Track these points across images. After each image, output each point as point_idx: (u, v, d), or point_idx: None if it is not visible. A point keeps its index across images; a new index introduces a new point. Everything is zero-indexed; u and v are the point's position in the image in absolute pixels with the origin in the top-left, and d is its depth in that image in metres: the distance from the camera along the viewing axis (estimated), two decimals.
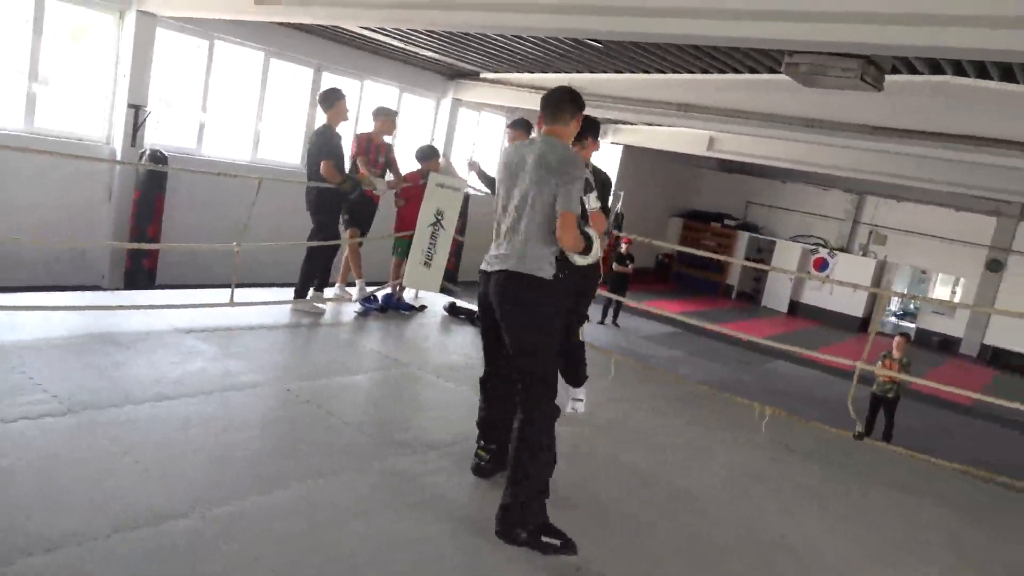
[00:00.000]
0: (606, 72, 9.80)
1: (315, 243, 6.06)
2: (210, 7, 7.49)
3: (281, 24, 9.04)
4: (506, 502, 3.01)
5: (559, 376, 3.43)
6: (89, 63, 8.23)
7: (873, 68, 4.87)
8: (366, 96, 10.84)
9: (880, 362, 7.62)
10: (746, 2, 3.99)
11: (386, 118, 6.65)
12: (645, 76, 9.53)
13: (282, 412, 4.13)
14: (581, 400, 4.38)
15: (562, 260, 3.13)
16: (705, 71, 8.68)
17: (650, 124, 12.92)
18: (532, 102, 11.19)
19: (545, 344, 3.11)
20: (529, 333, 3.08)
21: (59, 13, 7.88)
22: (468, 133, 12.75)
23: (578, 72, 10.06)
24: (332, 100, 6.07)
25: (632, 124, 13.67)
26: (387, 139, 6.69)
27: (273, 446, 3.66)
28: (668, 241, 18.20)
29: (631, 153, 15.57)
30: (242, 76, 9.58)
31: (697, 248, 17.44)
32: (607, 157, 14.41)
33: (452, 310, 6.91)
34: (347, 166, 6.31)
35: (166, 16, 8.34)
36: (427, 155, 6.84)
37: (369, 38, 9.69)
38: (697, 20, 4.13)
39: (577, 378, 4.34)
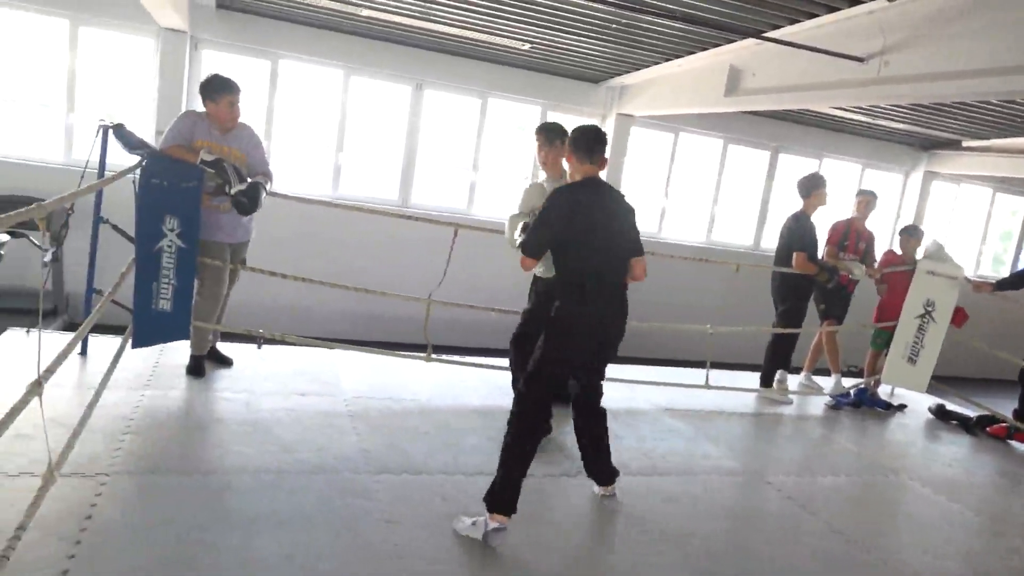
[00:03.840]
0: None
1: (782, 331, 5.93)
2: (683, 104, 8.07)
3: (741, 111, 9.33)
4: None
5: None
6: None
7: None
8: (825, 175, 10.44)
9: None
10: None
11: (861, 197, 6.27)
12: None
13: (763, 505, 4.02)
14: None
15: None
16: None
17: None
18: None
19: None
20: None
21: (536, 117, 9.17)
22: (942, 209, 11.33)
23: None
24: (811, 187, 5.94)
25: None
26: (868, 224, 6.29)
27: (759, 538, 3.56)
28: None
29: None
30: (701, 162, 10.08)
31: None
32: None
33: (941, 414, 6.03)
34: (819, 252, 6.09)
35: (640, 115, 9.28)
36: (909, 234, 6.23)
37: (831, 116, 9.36)
38: None
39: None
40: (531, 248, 3.34)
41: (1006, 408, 5.83)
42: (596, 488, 3.70)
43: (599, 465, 3.65)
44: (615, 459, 4.23)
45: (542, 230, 3.30)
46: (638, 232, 3.49)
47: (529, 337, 3.74)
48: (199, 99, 4.41)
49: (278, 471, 3.47)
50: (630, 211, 3.49)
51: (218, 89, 4.33)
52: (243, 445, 3.69)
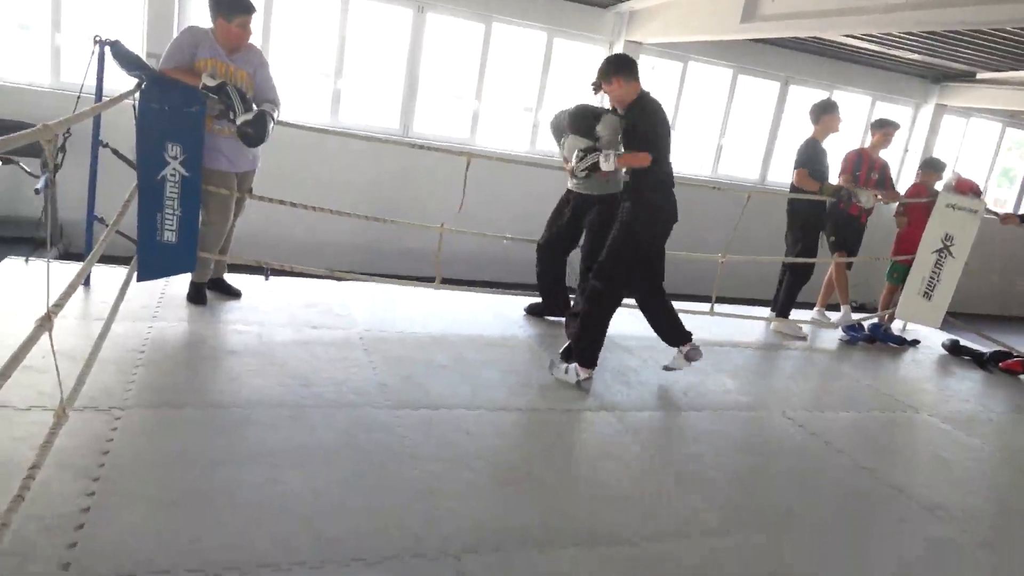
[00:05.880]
0: None
1: (795, 260, 5.83)
2: (696, 31, 7.75)
3: (752, 40, 8.99)
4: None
5: None
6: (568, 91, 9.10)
7: None
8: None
9: None
10: None
11: (884, 130, 6.08)
12: None
13: (789, 442, 3.96)
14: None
15: None
16: None
17: None
18: None
19: None
20: None
21: (562, 49, 8.99)
22: (950, 143, 11.13)
23: None
24: (822, 112, 5.76)
25: None
26: (883, 155, 6.11)
27: (787, 476, 3.53)
28: None
29: None
30: (709, 92, 9.78)
31: None
32: None
33: (954, 349, 6.00)
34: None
35: (649, 43, 8.92)
36: (932, 168, 6.08)
37: (843, 44, 9.05)
38: None
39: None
40: None
41: (1020, 345, 5.80)
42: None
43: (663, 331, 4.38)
44: (642, 394, 4.20)
45: None
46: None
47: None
48: (190, 20, 4.14)
49: (296, 405, 3.37)
50: None
51: (234, 8, 4.04)
52: (259, 378, 3.59)
